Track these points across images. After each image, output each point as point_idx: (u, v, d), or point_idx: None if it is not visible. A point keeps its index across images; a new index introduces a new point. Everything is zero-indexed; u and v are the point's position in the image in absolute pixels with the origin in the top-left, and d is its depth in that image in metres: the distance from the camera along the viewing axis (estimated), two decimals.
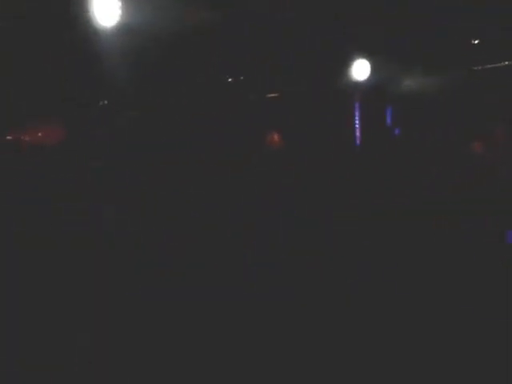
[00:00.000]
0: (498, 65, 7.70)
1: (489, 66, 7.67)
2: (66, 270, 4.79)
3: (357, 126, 8.22)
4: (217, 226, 6.29)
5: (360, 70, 7.63)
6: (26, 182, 5.02)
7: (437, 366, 3.76)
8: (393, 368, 3.76)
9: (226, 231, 6.27)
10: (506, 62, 7.69)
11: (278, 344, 4.13)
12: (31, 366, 3.69)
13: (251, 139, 7.64)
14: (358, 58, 7.59)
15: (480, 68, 7.68)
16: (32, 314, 4.33)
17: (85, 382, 3.59)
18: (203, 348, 4.04)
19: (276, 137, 7.89)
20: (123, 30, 5.03)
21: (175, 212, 6.04)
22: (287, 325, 4.56)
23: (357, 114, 8.26)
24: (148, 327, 4.37)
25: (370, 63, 7.58)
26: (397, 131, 6.98)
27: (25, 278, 4.58)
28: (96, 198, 5.32)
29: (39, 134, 5.62)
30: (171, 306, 4.79)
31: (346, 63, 7.57)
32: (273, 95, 8.47)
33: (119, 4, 4.94)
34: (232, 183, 6.70)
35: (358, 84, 7.72)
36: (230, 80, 7.97)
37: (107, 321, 4.41)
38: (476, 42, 7.24)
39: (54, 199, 5.00)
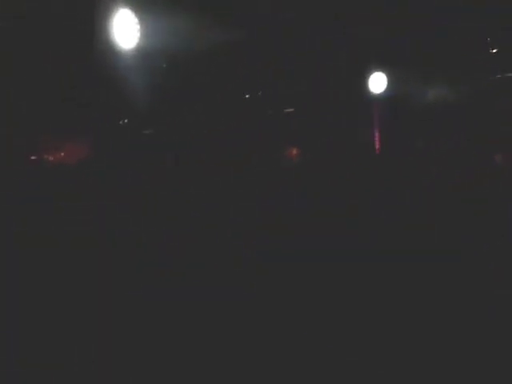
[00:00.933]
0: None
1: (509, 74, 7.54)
2: (68, 269, 4.79)
3: (375, 136, 8.19)
4: (217, 226, 6.29)
5: (377, 82, 7.56)
6: (26, 181, 5.01)
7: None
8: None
9: (226, 231, 6.27)
10: None
11: (278, 344, 4.12)
12: (31, 365, 3.69)
13: (267, 149, 7.62)
14: (375, 71, 7.53)
15: (499, 77, 7.57)
16: (33, 313, 4.32)
17: (85, 381, 3.59)
18: (204, 347, 4.05)
19: (295, 150, 7.85)
20: (141, 51, 5.09)
21: (176, 212, 6.05)
22: (287, 325, 4.55)
23: (375, 124, 8.22)
24: (149, 326, 4.37)
25: (387, 75, 7.51)
26: (417, 141, 6.96)
27: (26, 277, 4.58)
28: (97, 197, 5.32)
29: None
30: (172, 305, 4.79)
31: (363, 76, 7.51)
32: (290, 110, 8.45)
33: (137, 27, 5.00)
34: (236, 184, 6.71)
35: (375, 96, 7.66)
36: (247, 96, 7.93)
37: (109, 320, 4.42)
38: (494, 51, 7.13)
39: (56, 198, 5.00)
